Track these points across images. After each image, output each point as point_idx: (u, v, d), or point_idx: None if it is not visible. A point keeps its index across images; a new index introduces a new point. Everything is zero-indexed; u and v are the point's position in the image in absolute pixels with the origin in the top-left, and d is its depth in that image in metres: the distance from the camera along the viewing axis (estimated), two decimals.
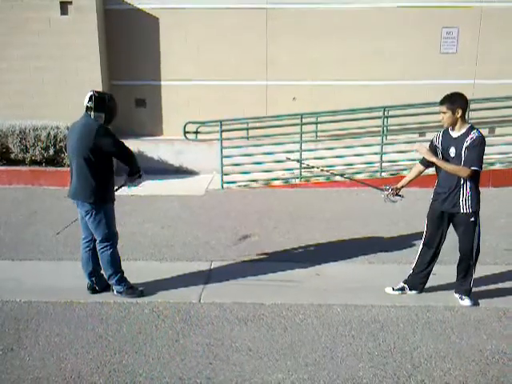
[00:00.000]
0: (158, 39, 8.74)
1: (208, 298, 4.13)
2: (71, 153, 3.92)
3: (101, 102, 3.87)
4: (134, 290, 4.15)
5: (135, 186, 4.32)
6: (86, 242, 4.15)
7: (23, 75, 8.40)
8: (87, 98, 3.86)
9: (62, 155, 7.64)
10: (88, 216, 3.96)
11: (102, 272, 4.22)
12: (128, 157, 4.08)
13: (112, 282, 4.13)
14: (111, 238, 4.06)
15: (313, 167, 5.17)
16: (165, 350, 3.40)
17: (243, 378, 3.11)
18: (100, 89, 8.43)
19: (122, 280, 4.14)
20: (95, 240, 4.09)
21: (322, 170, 5.18)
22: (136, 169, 4.13)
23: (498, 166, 7.69)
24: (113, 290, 4.17)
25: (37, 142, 7.63)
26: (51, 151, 7.62)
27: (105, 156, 3.91)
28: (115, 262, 4.10)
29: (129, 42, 8.75)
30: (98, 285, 4.21)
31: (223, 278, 4.50)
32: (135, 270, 4.65)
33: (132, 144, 8.54)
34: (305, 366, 3.23)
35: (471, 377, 3.12)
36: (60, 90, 8.43)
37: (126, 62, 8.81)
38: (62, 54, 8.30)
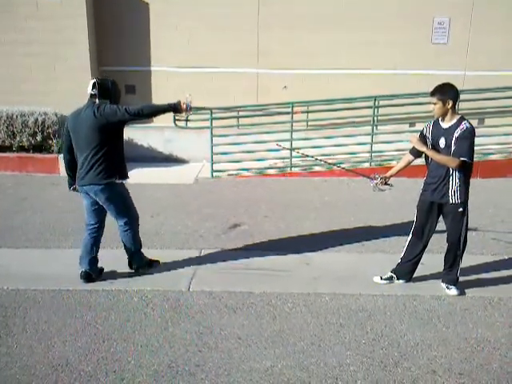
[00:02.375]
0: (148, 25, 8.62)
1: (197, 286, 4.14)
2: (83, 142, 3.90)
3: (105, 89, 3.90)
4: (152, 263, 4.40)
5: (193, 110, 4.25)
6: (93, 228, 4.17)
7: (11, 60, 8.26)
8: (91, 86, 3.89)
9: (50, 142, 7.56)
10: (107, 202, 4.00)
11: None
12: (146, 114, 3.96)
13: (132, 258, 4.31)
14: (133, 216, 4.20)
15: (307, 156, 5.16)
16: (154, 338, 3.40)
17: (232, 365, 3.13)
18: (89, 74, 8.33)
19: (141, 256, 4.35)
20: (102, 227, 4.19)
21: (315, 159, 5.18)
22: (168, 109, 4.02)
23: (486, 158, 7.76)
24: (133, 267, 4.34)
25: (24, 128, 7.53)
26: (39, 137, 7.52)
27: (118, 130, 3.95)
28: (138, 239, 4.29)
29: (119, 28, 8.62)
30: (95, 272, 4.22)
31: (213, 266, 4.50)
32: (125, 259, 4.64)
33: None
34: (293, 354, 3.25)
35: (456, 364, 3.17)
36: (48, 75, 8.30)
37: (116, 47, 8.69)
38: (51, 39, 8.16)
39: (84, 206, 4.17)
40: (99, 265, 4.26)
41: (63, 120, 7.86)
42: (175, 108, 4.00)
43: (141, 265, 4.35)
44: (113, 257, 4.57)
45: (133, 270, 4.36)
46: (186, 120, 7.37)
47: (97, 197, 4.00)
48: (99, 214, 4.16)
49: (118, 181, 4.01)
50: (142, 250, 4.37)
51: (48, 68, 8.30)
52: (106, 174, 3.91)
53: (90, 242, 4.17)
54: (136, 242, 4.28)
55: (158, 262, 4.46)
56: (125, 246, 4.31)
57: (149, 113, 3.99)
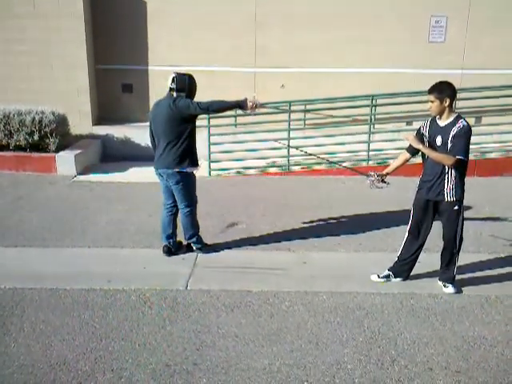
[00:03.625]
0: (145, 24, 8.60)
1: (195, 284, 4.14)
2: (161, 131, 4.33)
3: (182, 83, 4.27)
4: (209, 246, 4.78)
5: (260, 105, 4.39)
6: (170, 206, 4.62)
7: (7, 59, 8.22)
8: (170, 80, 4.26)
9: (47, 141, 7.52)
10: (177, 185, 4.40)
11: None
12: (215, 109, 4.33)
13: (193, 240, 4.67)
14: (195, 202, 4.59)
15: (306, 153, 5.18)
16: (151, 337, 3.41)
17: (229, 363, 3.14)
18: (85, 73, 8.33)
19: (200, 238, 4.72)
20: (177, 206, 4.58)
21: (317, 157, 5.21)
22: (235, 106, 4.34)
23: (483, 156, 7.77)
24: (191, 248, 4.72)
25: (21, 127, 7.49)
26: (36, 136, 7.48)
27: (190, 122, 4.30)
28: (197, 223, 4.66)
29: (116, 26, 8.60)
30: (174, 246, 4.68)
31: (210, 265, 4.51)
32: (122, 258, 4.65)
33: (118, 130, 8.61)
34: (290, 352, 3.26)
35: (453, 362, 3.18)
36: (45, 74, 8.27)
37: (113, 46, 8.67)
38: (47, 38, 8.13)
39: (160, 187, 4.62)
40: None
41: (60, 119, 7.86)
42: (242, 105, 4.29)
43: (201, 246, 4.71)
44: (111, 256, 4.55)
45: (191, 252, 4.71)
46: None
47: (168, 179, 4.42)
48: (174, 195, 4.54)
49: (188, 168, 4.38)
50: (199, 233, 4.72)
51: (45, 66, 8.27)
52: (178, 161, 4.31)
53: (166, 219, 4.63)
54: (195, 225, 4.64)
55: (211, 246, 4.81)
56: (185, 229, 4.63)
57: (217, 108, 4.33)
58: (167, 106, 4.25)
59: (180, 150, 4.30)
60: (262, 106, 4.47)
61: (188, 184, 4.45)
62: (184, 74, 4.33)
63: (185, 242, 4.79)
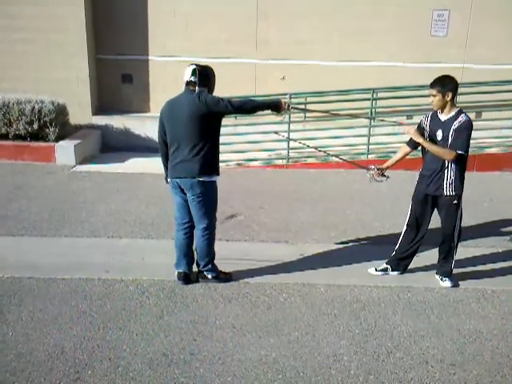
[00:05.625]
0: (146, 13, 8.54)
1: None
2: (183, 133, 3.65)
3: (205, 76, 3.66)
4: (225, 274, 4.05)
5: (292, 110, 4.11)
6: (187, 226, 3.91)
7: (5, 47, 8.17)
8: (190, 72, 3.64)
9: (47, 130, 7.50)
10: (200, 198, 3.72)
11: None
12: (248, 109, 3.78)
13: (207, 267, 3.97)
14: (215, 222, 3.92)
15: (307, 145, 5.17)
16: (149, 327, 3.42)
17: (226, 354, 3.15)
18: (86, 62, 8.28)
19: (215, 265, 4.01)
20: (193, 225, 3.88)
21: (318, 150, 5.19)
22: (269, 107, 3.83)
23: (483, 151, 7.76)
24: (205, 277, 4.00)
25: (21, 116, 7.47)
26: (35, 126, 7.46)
27: (217, 121, 3.70)
28: (213, 248, 3.97)
29: (116, 16, 8.53)
30: (193, 273, 4.00)
31: None
32: (120, 248, 4.65)
33: (118, 120, 8.58)
34: (287, 344, 3.28)
35: (449, 355, 3.20)
36: (43, 63, 8.23)
37: (113, 35, 8.61)
38: (47, 26, 8.07)
39: (175, 203, 3.90)
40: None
41: (60, 108, 7.83)
42: (276, 106, 3.82)
43: (216, 274, 4.00)
44: (109, 246, 4.56)
45: (203, 279, 4.04)
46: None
47: (190, 190, 3.72)
48: (190, 212, 3.87)
49: (214, 177, 3.77)
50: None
51: (44, 55, 8.22)
52: (205, 168, 3.67)
53: (185, 241, 3.93)
54: (212, 249, 3.96)
55: (230, 274, 4.08)
56: (200, 255, 3.95)
57: (250, 108, 3.78)
58: (190, 103, 3.60)
59: (208, 154, 3.66)
60: (294, 107, 4.14)
61: (212, 197, 3.80)
62: (206, 66, 3.74)
63: (196, 268, 4.06)
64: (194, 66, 3.67)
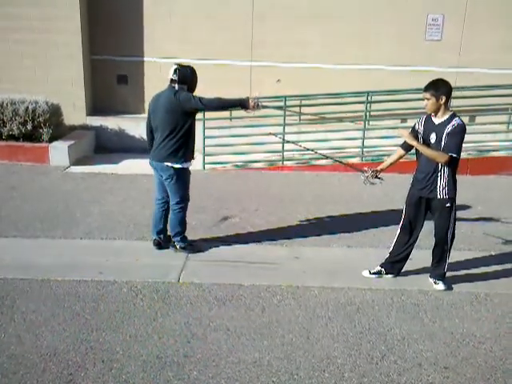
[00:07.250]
0: (141, 15, 8.54)
1: (187, 277, 4.14)
2: (160, 123, 4.25)
3: (184, 75, 4.18)
4: (193, 246, 4.62)
5: (261, 108, 4.34)
6: (162, 202, 4.55)
7: (1, 48, 8.13)
8: (172, 71, 4.18)
9: (41, 130, 7.46)
10: (169, 179, 4.31)
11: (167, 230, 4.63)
12: (215, 106, 4.24)
13: (177, 238, 4.56)
14: (187, 200, 4.48)
15: (302, 147, 5.18)
16: (143, 329, 3.41)
17: (220, 356, 3.15)
18: (80, 63, 8.26)
19: (185, 237, 4.60)
20: (169, 202, 4.48)
21: (315, 152, 5.20)
22: (237, 105, 4.25)
23: (477, 155, 7.81)
24: (175, 247, 4.58)
25: (14, 116, 7.43)
26: (29, 126, 7.42)
27: (190, 116, 4.21)
28: (185, 221, 4.55)
29: (111, 17, 8.51)
30: (164, 241, 4.63)
31: (203, 258, 4.51)
32: (114, 249, 4.63)
33: (112, 121, 8.56)
34: (281, 346, 3.28)
35: (442, 358, 3.21)
36: (39, 63, 8.20)
37: (108, 36, 8.59)
38: (42, 27, 8.03)
39: (154, 180, 4.56)
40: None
41: (54, 109, 7.79)
42: (244, 104, 4.20)
43: (184, 245, 4.58)
44: (103, 248, 4.54)
45: (173, 250, 4.59)
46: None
47: (162, 173, 4.33)
48: (166, 190, 4.45)
49: (181, 164, 4.27)
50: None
51: (39, 56, 8.19)
52: (172, 155, 4.23)
53: (157, 215, 4.57)
54: (183, 223, 4.54)
55: (198, 246, 4.67)
56: (172, 226, 4.52)
57: (218, 105, 4.25)
58: (168, 98, 4.17)
59: (176, 143, 4.21)
60: (264, 106, 4.39)
61: (181, 180, 4.34)
62: (186, 67, 4.25)
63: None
64: (176, 66, 4.20)
